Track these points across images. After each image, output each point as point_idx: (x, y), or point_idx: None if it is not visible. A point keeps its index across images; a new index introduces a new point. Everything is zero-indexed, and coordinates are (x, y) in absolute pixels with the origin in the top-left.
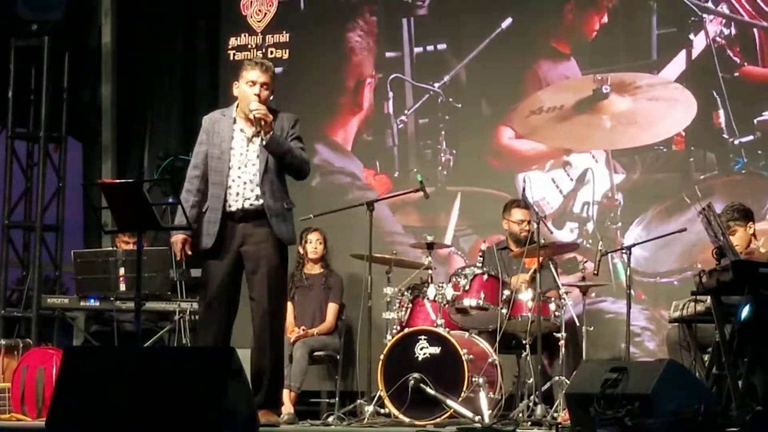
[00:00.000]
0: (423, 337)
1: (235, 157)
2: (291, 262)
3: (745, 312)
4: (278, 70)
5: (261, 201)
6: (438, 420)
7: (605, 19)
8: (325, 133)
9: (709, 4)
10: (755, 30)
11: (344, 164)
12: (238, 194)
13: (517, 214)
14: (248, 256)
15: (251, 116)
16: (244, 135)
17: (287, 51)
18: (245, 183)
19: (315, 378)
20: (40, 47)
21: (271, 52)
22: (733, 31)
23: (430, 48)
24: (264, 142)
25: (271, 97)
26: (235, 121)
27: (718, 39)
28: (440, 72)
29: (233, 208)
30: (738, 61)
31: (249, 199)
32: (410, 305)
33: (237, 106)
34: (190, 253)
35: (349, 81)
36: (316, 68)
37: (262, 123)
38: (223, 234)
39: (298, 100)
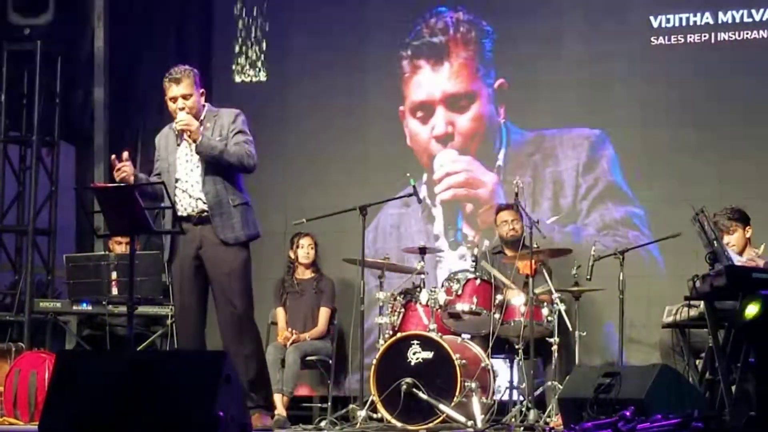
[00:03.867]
0: (416, 341)
1: (181, 165)
2: (281, 267)
3: (753, 309)
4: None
5: (205, 204)
6: (430, 425)
7: None
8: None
9: None
10: None
11: None
12: (189, 199)
13: (503, 215)
14: (206, 259)
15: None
16: (186, 142)
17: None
18: (192, 187)
19: (307, 383)
20: (32, 51)
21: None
22: None
23: None
24: (196, 150)
25: (202, 99)
26: (177, 133)
27: None
28: None
29: (187, 213)
30: None
31: (198, 202)
32: (403, 310)
33: None
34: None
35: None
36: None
37: (188, 132)
38: (182, 238)
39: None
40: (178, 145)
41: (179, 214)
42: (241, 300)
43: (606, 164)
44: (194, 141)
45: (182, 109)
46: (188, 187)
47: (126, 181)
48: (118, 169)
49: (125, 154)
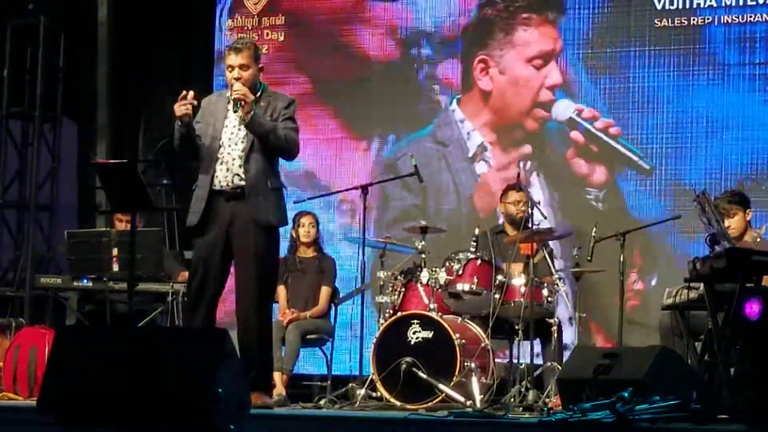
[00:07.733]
0: (416, 321)
1: (225, 136)
2: (283, 245)
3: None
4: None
5: (244, 180)
6: (430, 404)
7: None
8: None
9: None
10: None
11: None
12: (226, 173)
13: (514, 195)
14: (235, 236)
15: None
16: (235, 115)
17: (283, 33)
18: (233, 160)
19: (307, 361)
20: (36, 26)
21: (267, 34)
22: None
23: None
24: (245, 122)
25: (260, 76)
26: (229, 102)
27: None
28: None
29: (221, 187)
30: None
31: (235, 177)
32: (403, 289)
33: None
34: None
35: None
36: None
37: (242, 103)
38: (212, 212)
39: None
40: (226, 116)
41: (214, 188)
42: (263, 282)
43: None
44: (246, 113)
45: (238, 79)
46: (229, 160)
47: (186, 116)
48: (183, 104)
49: (191, 93)
